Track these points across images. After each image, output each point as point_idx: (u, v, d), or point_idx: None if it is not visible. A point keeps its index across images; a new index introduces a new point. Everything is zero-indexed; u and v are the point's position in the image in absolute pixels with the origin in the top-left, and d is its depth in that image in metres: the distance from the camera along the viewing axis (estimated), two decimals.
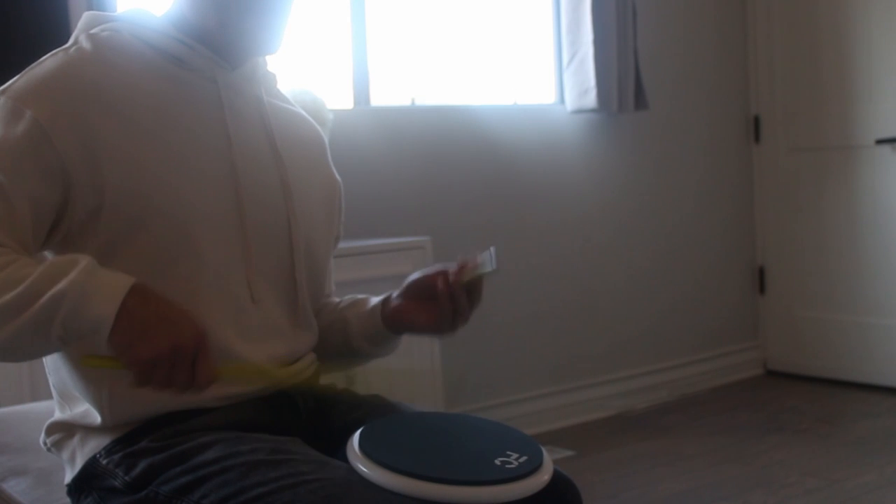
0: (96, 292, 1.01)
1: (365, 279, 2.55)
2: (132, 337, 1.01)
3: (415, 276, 1.31)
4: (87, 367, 1.11)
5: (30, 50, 1.32)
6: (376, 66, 3.15)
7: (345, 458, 1.08)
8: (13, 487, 1.37)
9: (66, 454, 1.23)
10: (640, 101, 3.55)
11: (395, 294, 1.34)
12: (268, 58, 1.34)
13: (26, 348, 1.06)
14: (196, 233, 1.16)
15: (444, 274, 1.26)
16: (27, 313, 1.00)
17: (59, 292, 1.00)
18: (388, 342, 1.37)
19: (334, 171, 1.42)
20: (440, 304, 1.25)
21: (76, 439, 1.21)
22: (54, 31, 2.26)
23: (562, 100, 3.57)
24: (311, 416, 1.27)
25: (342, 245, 1.48)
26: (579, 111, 3.50)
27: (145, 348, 1.01)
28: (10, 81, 1.15)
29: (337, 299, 1.45)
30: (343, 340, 1.37)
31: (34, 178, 1.09)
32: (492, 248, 1.22)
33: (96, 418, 1.17)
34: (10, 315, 1.00)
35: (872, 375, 3.82)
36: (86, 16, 1.25)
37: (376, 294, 1.37)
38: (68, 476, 1.22)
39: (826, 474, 2.82)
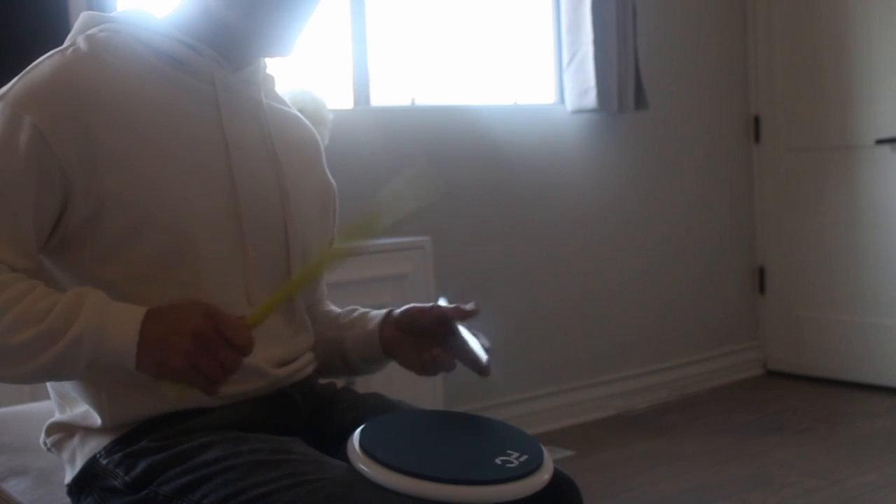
0: (113, 329, 1.04)
1: (365, 279, 2.56)
2: (157, 357, 1.04)
3: (411, 306, 1.31)
4: (176, 399, 1.10)
5: (29, 50, 1.31)
6: (376, 66, 3.15)
7: (345, 458, 1.08)
8: (13, 487, 1.37)
9: (66, 454, 1.23)
10: (640, 101, 3.55)
11: (396, 312, 1.33)
12: (268, 60, 1.34)
13: (43, 380, 1.14)
14: (194, 238, 1.15)
15: (437, 317, 1.26)
16: (47, 354, 1.03)
17: (76, 336, 1.03)
18: (384, 362, 1.38)
19: (329, 174, 1.42)
20: (421, 354, 1.27)
21: (76, 439, 1.21)
22: (53, 31, 2.26)
23: (562, 100, 3.57)
24: (311, 415, 1.27)
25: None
26: (579, 111, 3.50)
27: (172, 358, 1.03)
28: (8, 86, 1.13)
29: (334, 309, 1.44)
30: (340, 358, 1.38)
31: (36, 187, 1.08)
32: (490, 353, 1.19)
33: (96, 420, 1.17)
34: (31, 354, 1.04)
35: (872, 375, 3.82)
36: (83, 16, 1.23)
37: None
38: (68, 476, 1.22)
39: (826, 474, 2.82)
